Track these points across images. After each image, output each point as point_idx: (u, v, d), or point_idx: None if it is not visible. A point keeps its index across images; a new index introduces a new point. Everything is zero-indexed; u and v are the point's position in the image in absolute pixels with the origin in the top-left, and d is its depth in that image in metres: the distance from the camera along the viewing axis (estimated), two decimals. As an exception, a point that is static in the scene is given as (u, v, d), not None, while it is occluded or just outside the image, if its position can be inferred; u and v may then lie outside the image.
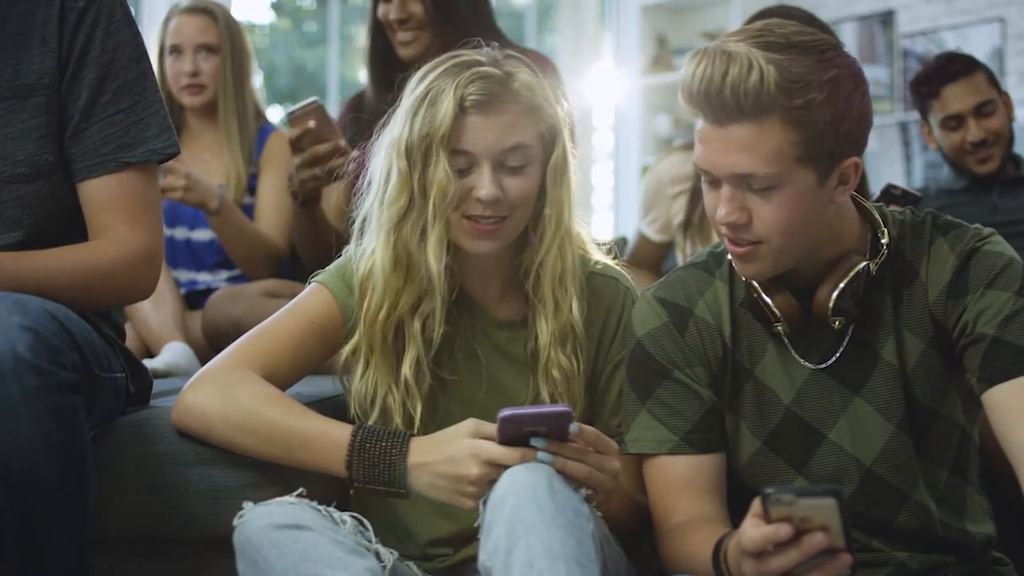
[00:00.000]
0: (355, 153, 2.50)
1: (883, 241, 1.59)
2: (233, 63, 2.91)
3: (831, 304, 1.56)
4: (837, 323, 1.57)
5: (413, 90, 1.68)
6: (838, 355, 1.61)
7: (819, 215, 1.52)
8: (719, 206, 1.51)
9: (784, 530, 1.27)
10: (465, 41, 1.72)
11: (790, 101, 1.44)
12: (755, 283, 1.59)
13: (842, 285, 1.55)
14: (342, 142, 2.26)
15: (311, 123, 2.24)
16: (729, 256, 1.62)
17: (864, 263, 1.56)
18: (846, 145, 1.49)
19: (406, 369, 1.67)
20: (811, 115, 1.45)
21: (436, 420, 1.67)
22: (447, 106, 1.61)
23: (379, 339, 1.67)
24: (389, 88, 2.45)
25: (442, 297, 1.66)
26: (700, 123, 1.51)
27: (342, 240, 2.36)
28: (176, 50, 2.91)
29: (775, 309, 1.58)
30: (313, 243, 2.47)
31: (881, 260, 1.58)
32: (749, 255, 1.54)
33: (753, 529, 1.29)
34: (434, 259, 1.64)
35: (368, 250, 1.70)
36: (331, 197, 2.53)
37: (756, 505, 1.30)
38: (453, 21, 2.45)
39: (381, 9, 2.52)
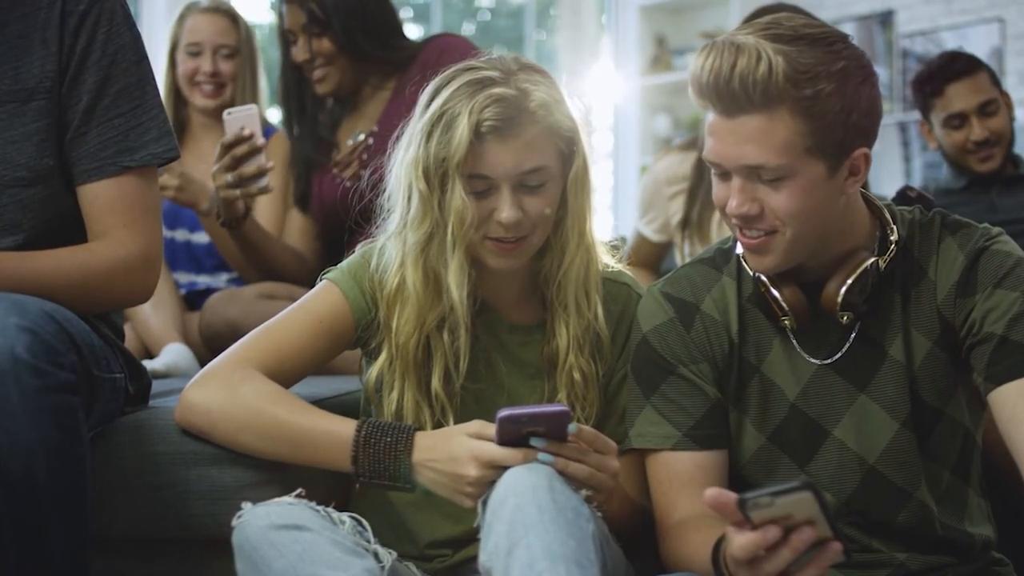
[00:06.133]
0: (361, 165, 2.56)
1: (892, 238, 1.59)
2: (250, 66, 2.93)
3: (839, 299, 1.56)
4: (845, 318, 1.57)
5: (427, 106, 1.64)
6: (844, 351, 1.61)
7: (830, 206, 1.53)
8: (730, 198, 1.52)
9: (772, 532, 1.26)
10: (476, 52, 1.70)
11: (799, 92, 1.45)
12: (763, 277, 1.59)
13: (851, 280, 1.56)
14: (260, 141, 2.32)
15: (244, 128, 2.30)
16: (739, 251, 1.62)
17: (873, 259, 1.57)
18: (856, 136, 1.50)
19: (435, 383, 1.66)
20: (820, 105, 1.46)
21: None
22: (462, 132, 1.58)
23: (411, 355, 1.66)
24: (306, 122, 2.66)
25: (465, 325, 1.66)
26: (710, 116, 1.52)
27: (308, 267, 2.45)
28: (194, 49, 2.90)
29: (783, 303, 1.58)
30: (258, 267, 2.55)
31: (890, 257, 1.59)
32: (762, 247, 1.54)
33: (741, 536, 1.28)
34: (456, 287, 1.63)
35: (394, 264, 1.68)
36: (292, 223, 2.67)
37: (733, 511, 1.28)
38: (355, 53, 2.58)
39: (293, 51, 2.63)
